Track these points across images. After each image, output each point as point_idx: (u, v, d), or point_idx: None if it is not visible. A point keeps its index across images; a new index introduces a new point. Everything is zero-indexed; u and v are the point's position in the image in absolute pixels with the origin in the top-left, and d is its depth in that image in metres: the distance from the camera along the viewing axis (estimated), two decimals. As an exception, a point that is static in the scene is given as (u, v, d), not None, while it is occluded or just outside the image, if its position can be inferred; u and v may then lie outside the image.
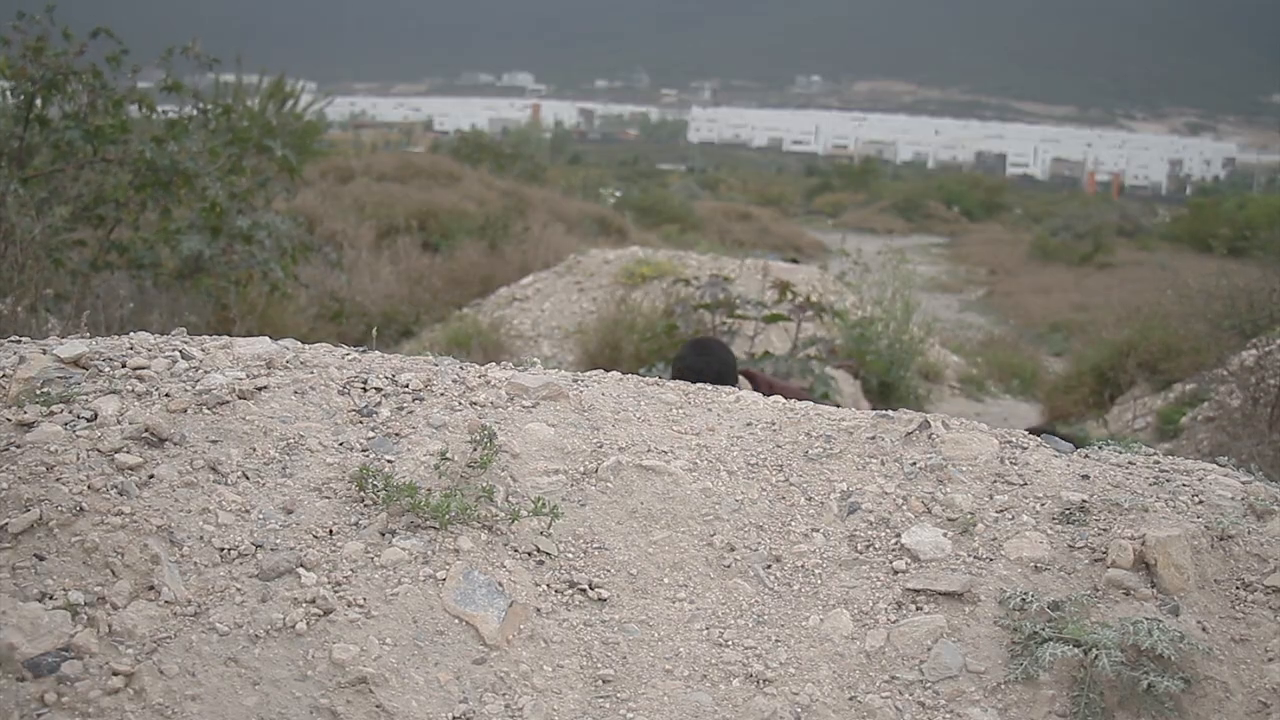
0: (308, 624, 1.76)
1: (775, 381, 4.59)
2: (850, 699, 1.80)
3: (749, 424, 2.34)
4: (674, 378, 4.27)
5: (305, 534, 1.91)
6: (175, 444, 2.02)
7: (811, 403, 2.53)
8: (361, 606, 1.81)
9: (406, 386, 2.30)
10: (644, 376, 2.61)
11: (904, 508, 2.10)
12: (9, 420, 2.01)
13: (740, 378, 4.45)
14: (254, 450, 2.06)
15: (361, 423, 2.18)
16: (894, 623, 1.90)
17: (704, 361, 4.30)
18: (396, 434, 2.16)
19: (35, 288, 4.97)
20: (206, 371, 2.23)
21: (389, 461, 2.09)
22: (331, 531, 1.93)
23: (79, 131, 6.02)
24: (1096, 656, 1.78)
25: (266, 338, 2.48)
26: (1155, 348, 9.49)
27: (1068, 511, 2.07)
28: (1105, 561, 1.97)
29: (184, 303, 6.48)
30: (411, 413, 2.23)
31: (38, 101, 6.10)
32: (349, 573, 1.86)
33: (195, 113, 6.80)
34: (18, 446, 1.94)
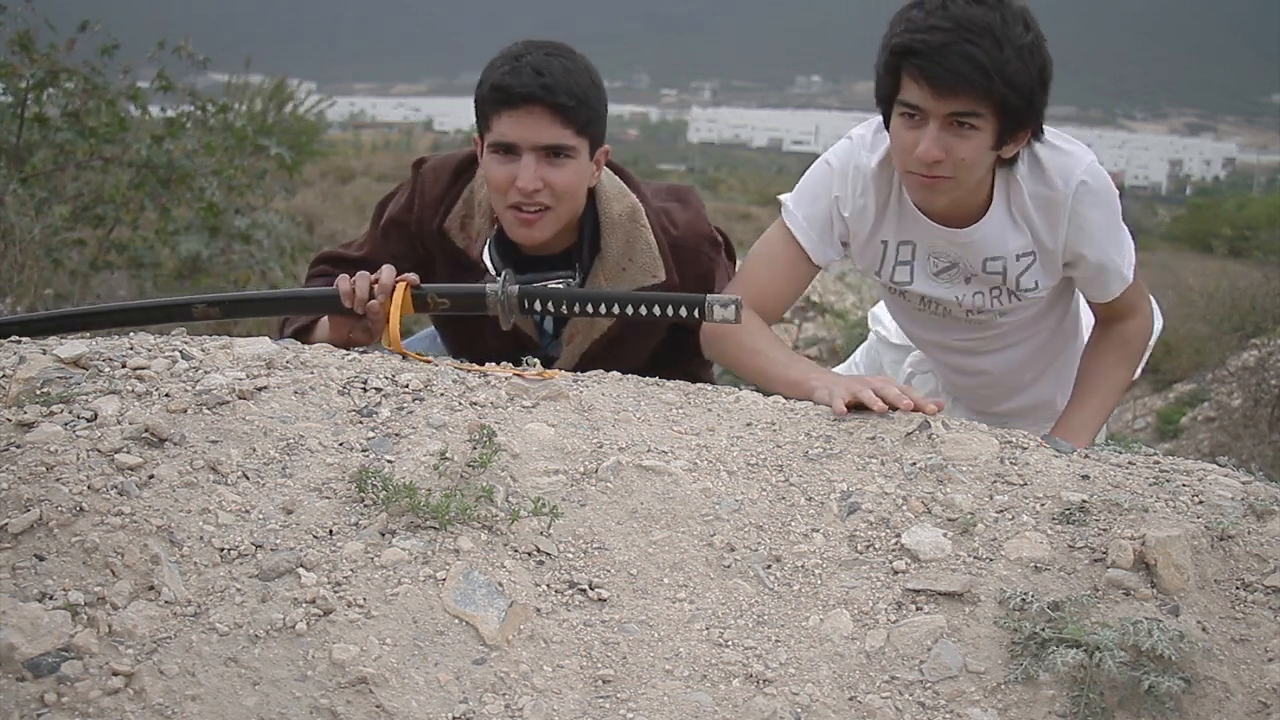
0: (308, 624, 1.76)
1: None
2: (850, 699, 1.80)
3: (749, 424, 2.33)
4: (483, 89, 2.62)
5: (305, 534, 1.91)
6: (175, 444, 2.02)
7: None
8: (361, 607, 1.81)
9: (406, 387, 2.30)
10: (643, 376, 2.60)
11: (904, 508, 2.10)
12: (9, 420, 2.01)
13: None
14: (254, 450, 2.06)
15: (361, 423, 2.18)
16: (894, 623, 1.90)
17: (531, 80, 2.53)
18: (396, 434, 2.16)
19: (35, 288, 4.97)
20: (206, 371, 2.23)
21: (389, 462, 2.08)
22: (331, 531, 1.93)
23: (72, 133, 6.01)
24: (1097, 657, 1.78)
25: (266, 338, 2.48)
26: (1155, 348, 9.46)
27: (1068, 511, 2.07)
28: (1105, 562, 1.97)
29: (184, 303, 6.46)
30: (411, 413, 2.22)
31: (29, 99, 6.09)
32: (349, 573, 1.86)
33: (192, 109, 6.80)
34: (18, 446, 1.94)
